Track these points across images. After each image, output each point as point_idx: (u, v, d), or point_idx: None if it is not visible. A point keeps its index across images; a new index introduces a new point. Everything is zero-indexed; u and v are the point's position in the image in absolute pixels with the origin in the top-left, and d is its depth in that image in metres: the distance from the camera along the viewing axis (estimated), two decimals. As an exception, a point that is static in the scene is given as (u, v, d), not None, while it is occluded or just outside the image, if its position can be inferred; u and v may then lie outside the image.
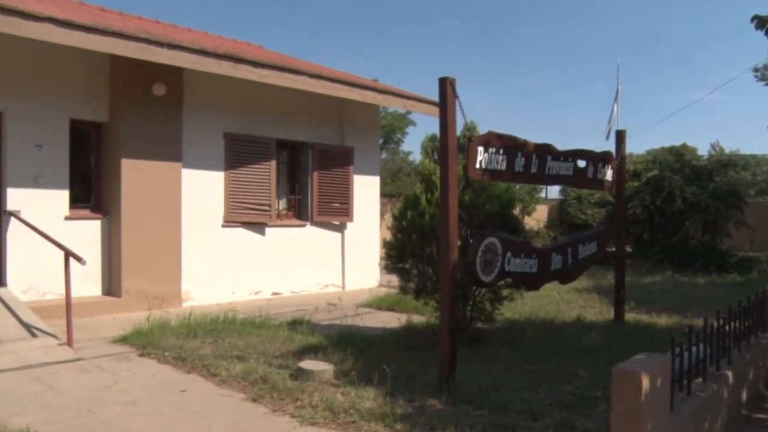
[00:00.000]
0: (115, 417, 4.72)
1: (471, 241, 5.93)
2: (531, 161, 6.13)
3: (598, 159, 7.49)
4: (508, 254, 5.70)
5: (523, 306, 9.09)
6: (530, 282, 6.37)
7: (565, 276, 6.94)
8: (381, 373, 5.24)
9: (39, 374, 5.86)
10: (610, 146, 8.23)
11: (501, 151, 5.69)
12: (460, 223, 5.51)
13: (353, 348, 6.37)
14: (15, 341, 6.74)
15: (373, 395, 4.97)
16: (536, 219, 22.95)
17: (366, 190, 12.59)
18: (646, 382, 3.30)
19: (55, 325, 7.23)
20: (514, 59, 66.14)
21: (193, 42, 9.30)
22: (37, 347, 6.68)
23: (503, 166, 5.76)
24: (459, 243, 5.40)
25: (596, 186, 7.88)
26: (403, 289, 7.66)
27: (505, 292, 7.35)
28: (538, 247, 6.53)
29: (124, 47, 8.35)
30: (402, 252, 7.31)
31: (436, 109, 12.13)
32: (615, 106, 20.55)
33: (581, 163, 7.13)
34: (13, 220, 8.51)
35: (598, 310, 9.59)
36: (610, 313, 8.77)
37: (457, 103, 5.34)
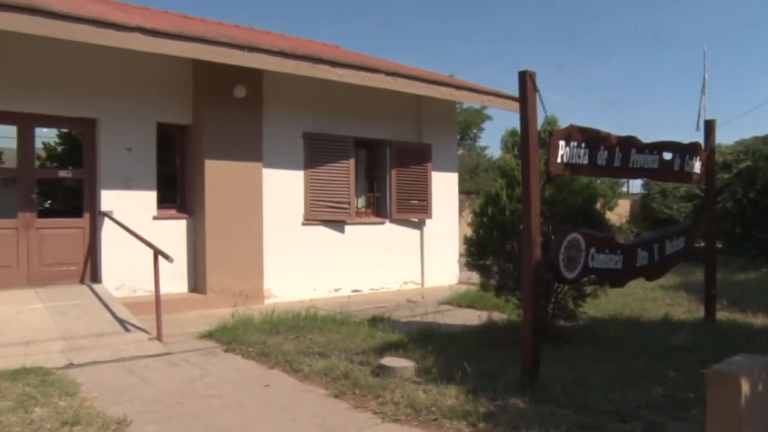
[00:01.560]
0: (203, 410, 4.87)
1: (553, 237, 5.81)
2: (614, 154, 5.95)
3: (686, 151, 7.20)
4: (592, 250, 5.56)
5: (606, 303, 8.83)
6: (614, 279, 6.18)
7: (651, 273, 6.70)
8: (462, 370, 5.20)
9: (132, 367, 6.12)
10: (700, 137, 7.89)
11: (583, 145, 5.55)
12: (542, 219, 5.40)
13: (434, 345, 6.35)
14: (111, 335, 7.08)
15: (454, 393, 4.93)
16: (618, 214, 22.25)
17: (444, 187, 12.54)
18: (746, 386, 3.10)
19: (146, 321, 7.54)
20: (592, 49, 64.38)
21: (271, 44, 9.49)
22: (131, 341, 6.98)
23: (585, 160, 5.62)
24: (541, 239, 5.29)
25: (683, 179, 7.57)
26: (483, 286, 7.59)
27: (588, 289, 7.17)
28: (622, 243, 6.34)
29: (207, 52, 8.61)
30: (483, 248, 7.24)
31: (514, 104, 12.02)
32: (703, 96, 19.73)
33: (667, 156, 6.86)
34: (106, 220, 8.92)
35: (686, 309, 9.21)
36: (699, 312, 8.40)
37: (537, 96, 5.23)
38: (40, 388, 5.09)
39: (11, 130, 9.18)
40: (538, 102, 5.25)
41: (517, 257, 6.76)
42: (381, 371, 5.53)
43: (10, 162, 10.60)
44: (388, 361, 5.70)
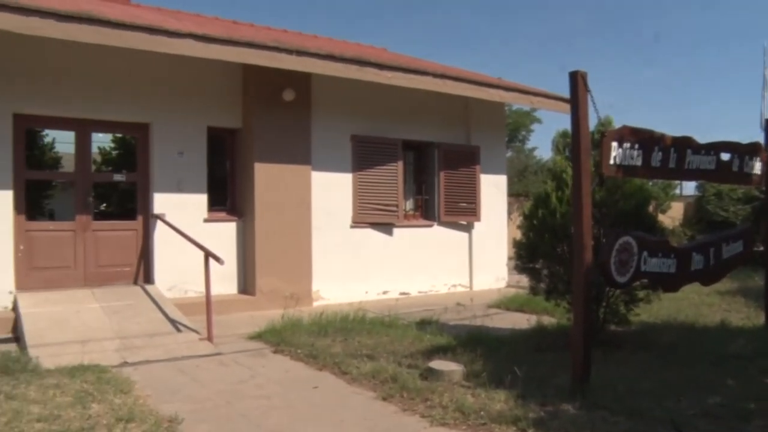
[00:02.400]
0: (253, 410, 4.91)
1: (604, 240, 5.70)
2: (669, 155, 5.80)
3: (745, 151, 6.96)
4: (644, 254, 5.43)
5: (659, 308, 8.61)
6: (668, 283, 6.02)
7: (706, 277, 6.50)
8: (511, 374, 5.13)
9: (183, 366, 6.22)
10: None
11: (636, 146, 5.42)
12: (593, 222, 5.30)
13: (483, 349, 6.29)
14: (163, 335, 7.22)
15: (503, 397, 4.87)
16: (671, 217, 21.72)
17: (493, 190, 12.44)
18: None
19: (196, 321, 7.66)
20: (643, 49, 63.08)
21: (319, 48, 9.56)
22: (182, 341, 7.11)
23: (639, 162, 5.49)
24: (592, 242, 5.19)
25: (742, 180, 7.33)
26: (533, 290, 7.49)
27: (640, 294, 7.00)
28: (676, 246, 6.17)
29: (256, 56, 8.72)
30: (532, 252, 7.15)
31: (564, 105, 11.90)
32: (765, 94, 19.13)
33: (725, 156, 6.65)
34: (159, 222, 9.12)
35: (745, 315, 8.92)
36: (759, 319, 8.11)
37: (589, 97, 5.14)
38: (96, 385, 5.21)
39: (70, 136, 9.48)
40: (590, 102, 5.15)
41: (567, 260, 6.65)
42: (429, 374, 5.50)
43: (69, 166, 10.94)
44: (437, 364, 5.67)
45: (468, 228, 12.19)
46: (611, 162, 5.23)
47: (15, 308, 7.87)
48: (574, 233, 5.24)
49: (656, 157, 5.66)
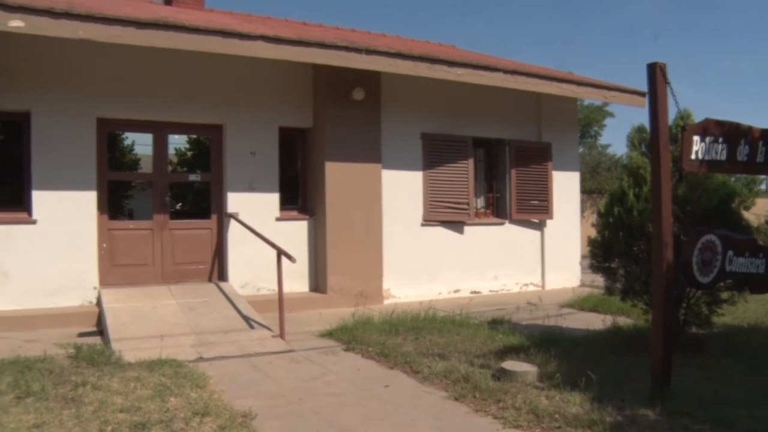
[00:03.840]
0: (324, 407, 4.93)
1: (685, 238, 5.47)
2: (757, 149, 5.49)
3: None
4: (730, 253, 5.17)
5: (744, 310, 8.20)
6: (756, 284, 5.70)
7: (799, 278, 6.15)
8: (587, 377, 4.99)
9: (256, 362, 6.32)
10: None
11: (720, 140, 5.17)
12: (673, 220, 5.09)
13: (556, 350, 6.14)
14: (236, 331, 7.36)
15: (579, 400, 4.74)
16: (756, 214, 20.74)
17: (565, 187, 12.16)
18: None
19: (269, 318, 7.77)
20: (720, 39, 60.54)
21: (388, 46, 9.56)
22: (255, 338, 7.22)
23: (723, 156, 5.23)
24: (672, 241, 4.99)
25: (836, 175, 6.92)
26: (608, 290, 7.27)
27: (724, 295, 6.68)
28: (765, 246, 5.86)
29: (326, 56, 8.78)
30: (608, 250, 6.93)
31: (639, 99, 11.54)
32: None
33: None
34: (232, 221, 9.30)
35: (840, 318, 8.42)
36: None
37: (668, 89, 4.93)
38: (173, 379, 5.35)
39: (148, 138, 9.80)
40: (669, 95, 4.94)
41: (644, 260, 6.42)
42: (501, 375, 5.41)
43: (147, 167, 11.31)
44: (509, 364, 5.57)
45: (540, 226, 11.97)
46: (692, 157, 5.01)
47: (99, 303, 8.19)
48: (653, 231, 5.06)
49: (743, 150, 5.38)
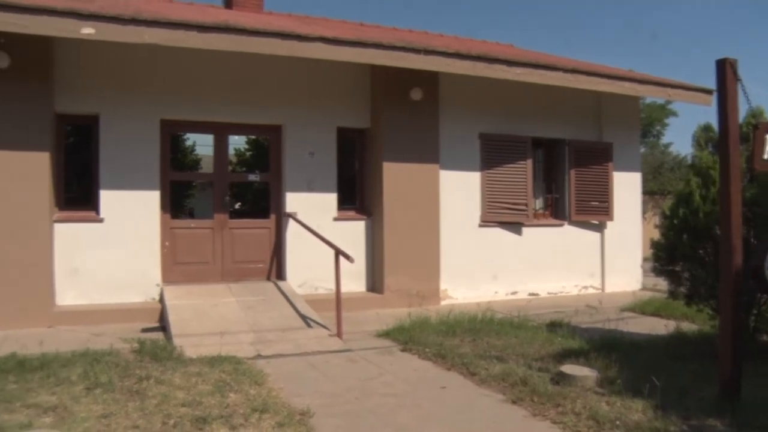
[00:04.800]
0: (381, 407, 4.94)
1: (755, 241, 5.28)
2: (833, 149, 5.26)
3: None
4: (803, 257, 4.96)
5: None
6: (831, 289, 5.48)
7: None
8: (650, 383, 4.86)
9: (314, 361, 6.37)
10: None
11: (798, 139, 4.96)
12: (743, 222, 4.91)
13: (617, 354, 5.99)
14: (294, 330, 7.45)
15: (641, 407, 4.61)
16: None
17: (626, 188, 11.88)
18: None
19: (326, 317, 7.83)
20: (799, 36, 58.12)
21: (446, 46, 9.52)
22: (312, 337, 7.29)
23: (798, 156, 5.02)
24: (741, 244, 4.82)
25: None
26: (672, 294, 7.06)
27: (797, 302, 6.42)
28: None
29: (384, 57, 8.79)
30: (672, 253, 6.74)
31: (705, 97, 11.20)
32: None
33: None
34: (290, 221, 9.42)
35: None
36: None
37: (739, 87, 4.76)
38: (233, 376, 5.45)
39: (208, 139, 10.02)
40: (740, 92, 4.77)
41: (711, 263, 6.22)
42: (560, 379, 5.33)
43: (207, 167, 11.55)
44: (569, 368, 5.48)
45: (600, 228, 11.73)
46: (765, 156, 4.83)
47: (161, 300, 8.41)
48: (721, 234, 4.90)
49: (818, 150, 5.15)
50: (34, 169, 7.94)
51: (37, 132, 7.96)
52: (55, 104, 8.25)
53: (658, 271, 7.18)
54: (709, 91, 11.13)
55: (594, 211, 11.57)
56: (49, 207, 8.16)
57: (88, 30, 7.23)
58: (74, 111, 8.54)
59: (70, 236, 8.37)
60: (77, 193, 8.87)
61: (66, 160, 8.75)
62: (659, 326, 8.02)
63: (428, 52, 9.01)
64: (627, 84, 10.73)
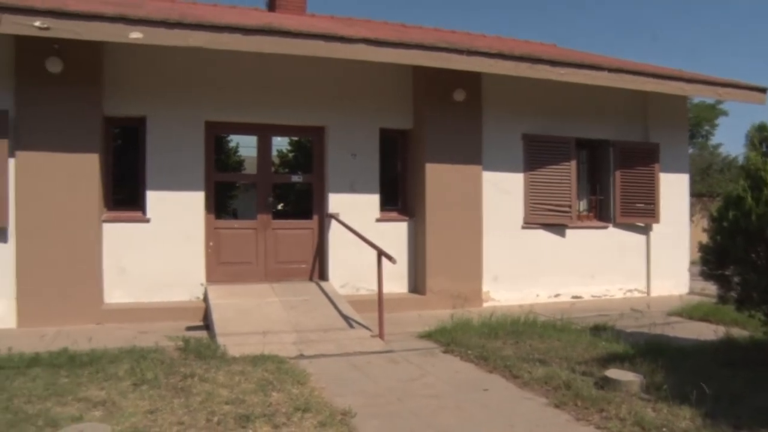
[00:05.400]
0: (422, 408, 4.93)
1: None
2: None
3: None
4: None
5: None
6: None
7: None
8: (698, 390, 4.75)
9: (355, 361, 6.39)
10: None
11: None
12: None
13: (663, 360, 5.88)
14: (336, 330, 7.49)
15: (689, 415, 4.51)
16: None
17: (673, 189, 11.62)
18: None
19: (368, 318, 7.85)
20: None
21: (489, 46, 9.46)
22: (354, 337, 7.31)
23: None
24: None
25: None
26: (721, 298, 6.86)
27: None
28: None
29: (427, 58, 8.78)
30: (721, 256, 6.55)
31: (758, 96, 10.93)
32: None
33: None
34: (333, 221, 9.47)
35: None
36: None
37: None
38: (276, 375, 5.51)
39: (251, 140, 10.14)
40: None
41: (764, 267, 6.04)
42: (605, 383, 5.25)
43: (250, 168, 11.70)
44: (613, 373, 5.39)
45: (645, 230, 11.50)
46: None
47: (205, 299, 8.54)
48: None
49: None
50: (84, 170, 8.15)
51: (87, 134, 8.18)
52: (104, 107, 8.46)
53: (706, 275, 6.98)
54: (763, 90, 10.83)
55: (639, 213, 11.35)
56: (99, 207, 8.37)
57: (136, 34, 7.42)
58: (122, 114, 8.73)
59: (117, 236, 8.57)
60: (124, 194, 9.06)
61: (114, 161, 8.98)
62: (708, 332, 7.82)
63: (471, 52, 8.96)
64: (674, 83, 10.51)
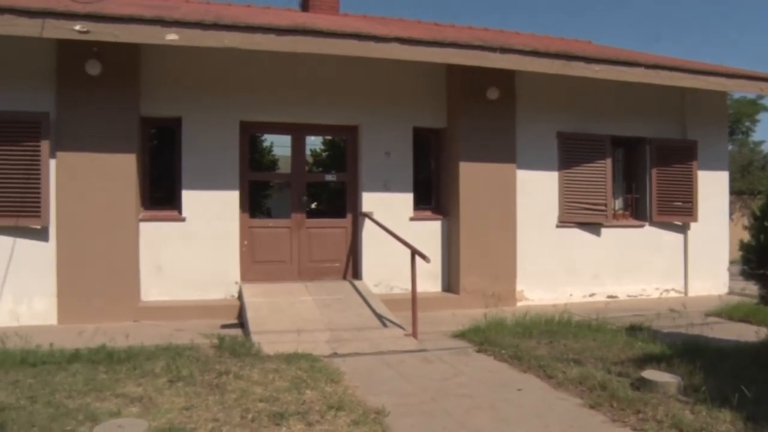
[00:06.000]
0: (456, 408, 4.92)
1: None
2: None
3: None
4: None
5: None
6: None
7: None
8: (739, 393, 4.65)
9: (389, 360, 6.40)
10: None
11: None
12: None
13: (702, 361, 5.76)
14: (370, 329, 7.50)
15: (729, 418, 4.40)
16: None
17: (712, 187, 11.39)
18: None
19: (401, 317, 7.85)
20: None
21: (523, 44, 9.38)
22: (387, 336, 7.32)
23: None
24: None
25: None
26: (763, 299, 6.70)
27: None
28: None
29: (461, 56, 8.75)
30: (763, 256, 6.39)
31: (804, 90, 10.47)
32: None
33: None
34: (366, 220, 9.49)
35: None
36: None
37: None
38: (309, 373, 5.54)
39: (285, 139, 10.22)
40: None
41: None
42: (641, 384, 5.16)
43: (284, 168, 11.78)
44: (650, 374, 5.30)
45: (683, 229, 11.30)
46: None
47: (240, 297, 8.63)
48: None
49: None
50: (121, 170, 8.31)
51: (125, 135, 8.33)
52: (141, 108, 8.60)
53: (747, 275, 6.83)
54: (810, 83, 10.55)
55: (677, 211, 11.16)
56: (136, 207, 8.52)
57: (172, 36, 7.53)
58: (158, 114, 8.87)
59: (154, 235, 8.71)
60: (161, 193, 9.21)
61: (150, 161, 9.13)
62: (748, 333, 7.65)
63: (504, 50, 8.90)
64: (712, 78, 10.29)
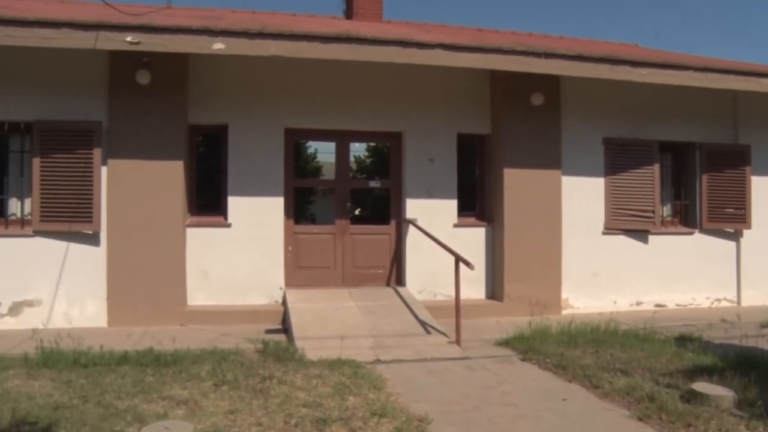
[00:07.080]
0: (500, 417, 4.87)
1: None
2: None
3: None
4: None
5: None
6: None
7: None
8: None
9: (432, 367, 6.37)
10: None
11: None
12: None
13: (757, 374, 5.56)
14: (413, 336, 7.49)
15: (787, 434, 4.27)
16: None
17: (766, 193, 11.05)
18: None
19: (444, 324, 7.81)
20: None
21: (567, 48, 9.28)
22: (431, 343, 7.29)
23: None
24: None
25: None
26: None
27: None
28: None
29: (504, 61, 8.70)
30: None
31: None
32: None
33: None
34: (410, 227, 9.48)
35: None
36: None
37: None
38: (352, 379, 5.56)
39: (329, 146, 10.30)
40: None
41: None
42: (692, 397, 5.03)
43: (328, 174, 11.87)
44: (701, 386, 5.16)
45: (735, 236, 10.99)
46: None
47: (284, 302, 8.71)
48: None
49: None
50: (169, 177, 8.49)
51: (173, 143, 8.52)
52: (188, 116, 8.77)
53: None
54: None
55: (728, 218, 10.86)
56: (183, 213, 8.68)
57: (219, 45, 7.69)
58: (205, 122, 9.03)
59: (200, 240, 8.85)
60: (207, 200, 9.35)
61: (197, 168, 9.29)
62: (807, 344, 7.40)
63: (548, 55, 8.82)
64: (766, 81, 10.00)
